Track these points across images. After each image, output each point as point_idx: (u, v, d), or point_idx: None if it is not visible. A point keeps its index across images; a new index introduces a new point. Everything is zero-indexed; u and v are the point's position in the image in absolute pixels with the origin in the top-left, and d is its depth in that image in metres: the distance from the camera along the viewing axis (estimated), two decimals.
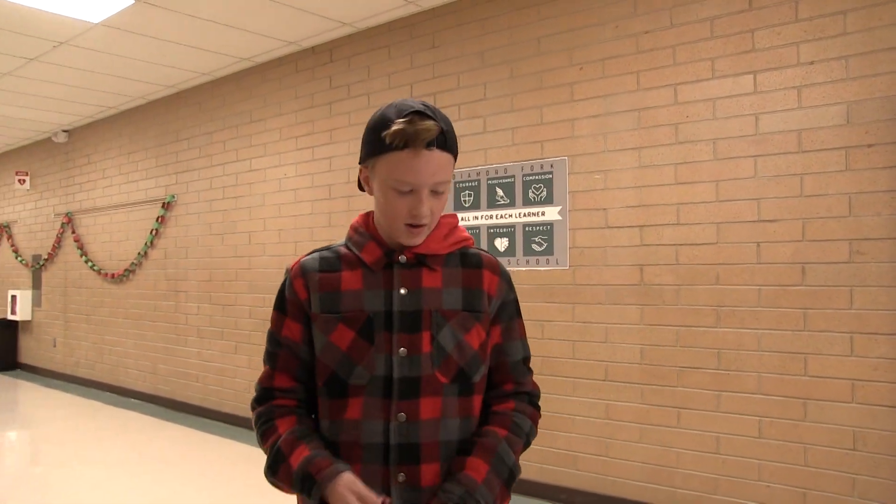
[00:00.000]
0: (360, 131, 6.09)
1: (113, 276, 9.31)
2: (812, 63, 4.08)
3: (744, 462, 4.24)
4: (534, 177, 5.14)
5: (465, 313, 1.69)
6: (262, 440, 1.68)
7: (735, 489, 4.26)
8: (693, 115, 4.47)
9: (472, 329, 1.69)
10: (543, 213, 5.08)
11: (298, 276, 1.70)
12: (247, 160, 7.39)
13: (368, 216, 1.75)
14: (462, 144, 5.53)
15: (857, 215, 3.94)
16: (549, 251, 5.03)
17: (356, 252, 1.70)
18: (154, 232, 8.60)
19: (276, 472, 1.62)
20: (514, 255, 5.20)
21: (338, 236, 6.39)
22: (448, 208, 5.57)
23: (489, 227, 5.35)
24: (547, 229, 5.05)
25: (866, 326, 3.91)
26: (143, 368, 8.86)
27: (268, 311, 7.01)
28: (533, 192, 5.13)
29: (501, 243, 5.28)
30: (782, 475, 4.13)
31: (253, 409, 1.72)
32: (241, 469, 5.98)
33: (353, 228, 1.75)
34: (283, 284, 1.72)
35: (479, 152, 5.46)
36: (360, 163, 1.69)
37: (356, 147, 6.25)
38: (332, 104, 6.52)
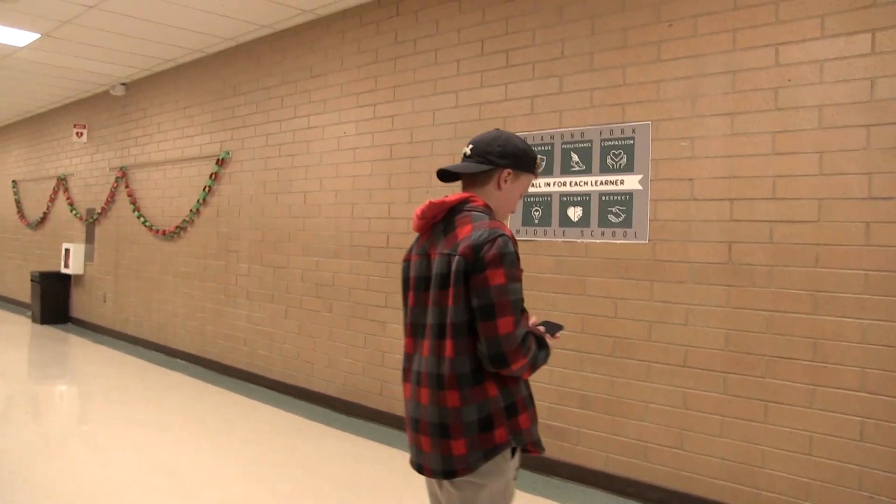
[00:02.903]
0: (425, 89, 5.76)
1: (164, 232, 9.14)
2: None
3: (842, 467, 3.83)
4: (613, 142, 4.74)
5: None
6: (539, 348, 2.27)
7: (830, 497, 3.86)
8: (796, 78, 4.02)
9: None
10: (622, 182, 4.68)
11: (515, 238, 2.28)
12: (305, 117, 7.09)
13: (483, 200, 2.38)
14: (536, 105, 5.16)
15: None
16: (627, 223, 4.64)
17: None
18: (207, 189, 8.37)
19: (546, 346, 2.32)
20: (587, 225, 4.83)
21: (398, 199, 6.07)
22: None
23: (562, 195, 4.97)
24: (626, 199, 4.66)
25: None
26: (190, 329, 8.69)
27: (321, 274, 6.77)
28: (612, 158, 4.74)
29: (574, 213, 4.90)
30: (888, 486, 3.71)
31: (530, 348, 2.20)
32: (285, 439, 5.75)
33: (488, 207, 2.36)
34: (514, 247, 2.22)
35: (553, 114, 5.07)
36: (510, 168, 2.37)
37: (421, 105, 5.91)
38: (397, 60, 6.16)
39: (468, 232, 2.21)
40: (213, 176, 8.26)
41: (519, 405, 2.26)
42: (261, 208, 7.60)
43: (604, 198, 4.77)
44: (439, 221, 2.35)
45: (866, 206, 3.79)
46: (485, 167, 2.34)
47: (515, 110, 5.30)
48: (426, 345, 2.27)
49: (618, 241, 4.67)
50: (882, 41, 3.76)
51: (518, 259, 2.20)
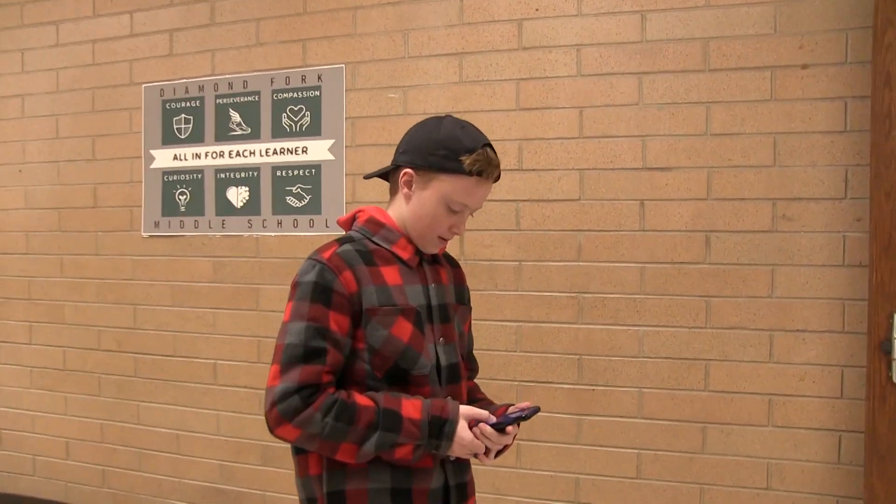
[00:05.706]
0: (9, 18, 3.85)
1: None
2: None
3: None
4: (291, 94, 3.50)
5: (462, 306, 1.89)
6: (349, 423, 1.58)
7: None
8: (546, 7, 3.06)
9: (467, 320, 1.92)
10: (306, 150, 3.47)
11: (345, 268, 1.66)
12: None
13: (384, 214, 1.79)
14: (177, 43, 3.77)
15: (785, 165, 2.80)
16: (314, 208, 3.43)
17: (387, 247, 1.75)
18: None
19: (398, 431, 1.59)
20: (258, 213, 3.53)
21: None
22: (155, 137, 3.79)
23: (218, 171, 3.61)
24: (311, 174, 3.45)
25: (791, 321, 2.82)
26: None
27: None
28: (289, 117, 3.50)
29: (238, 195, 3.57)
30: None
31: (298, 411, 1.57)
32: None
33: (377, 223, 1.77)
34: (320, 276, 1.65)
35: (203, 55, 3.68)
36: (412, 167, 1.71)
37: (4, 43, 4.19)
38: None
39: None
40: None
41: (349, 497, 1.67)
42: None
43: (279, 173, 3.50)
44: None
45: (640, 178, 2.94)
46: (385, 169, 1.84)
47: (147, 50, 3.82)
48: None
49: (302, 234, 3.44)
50: None
51: (321, 291, 1.64)
